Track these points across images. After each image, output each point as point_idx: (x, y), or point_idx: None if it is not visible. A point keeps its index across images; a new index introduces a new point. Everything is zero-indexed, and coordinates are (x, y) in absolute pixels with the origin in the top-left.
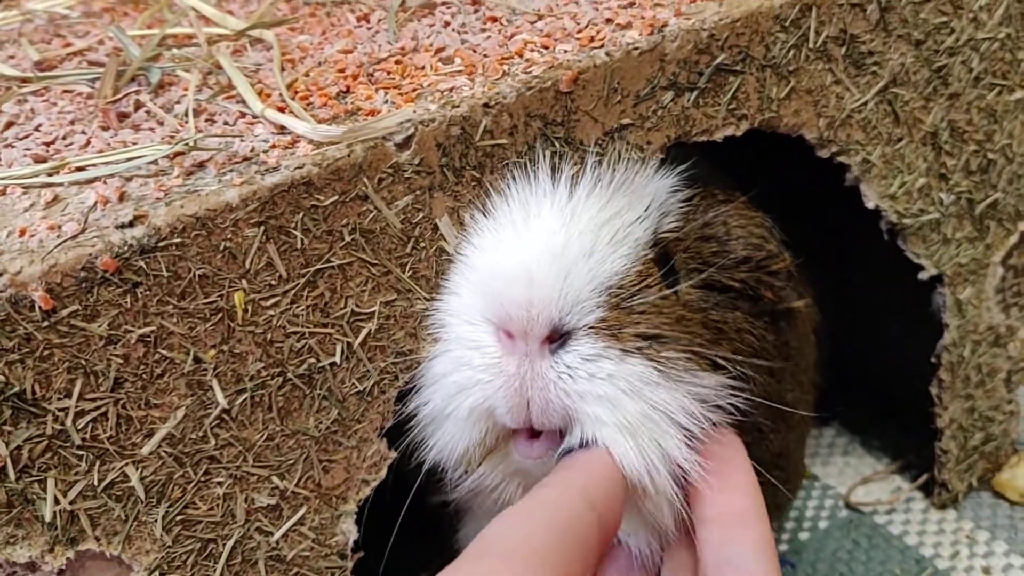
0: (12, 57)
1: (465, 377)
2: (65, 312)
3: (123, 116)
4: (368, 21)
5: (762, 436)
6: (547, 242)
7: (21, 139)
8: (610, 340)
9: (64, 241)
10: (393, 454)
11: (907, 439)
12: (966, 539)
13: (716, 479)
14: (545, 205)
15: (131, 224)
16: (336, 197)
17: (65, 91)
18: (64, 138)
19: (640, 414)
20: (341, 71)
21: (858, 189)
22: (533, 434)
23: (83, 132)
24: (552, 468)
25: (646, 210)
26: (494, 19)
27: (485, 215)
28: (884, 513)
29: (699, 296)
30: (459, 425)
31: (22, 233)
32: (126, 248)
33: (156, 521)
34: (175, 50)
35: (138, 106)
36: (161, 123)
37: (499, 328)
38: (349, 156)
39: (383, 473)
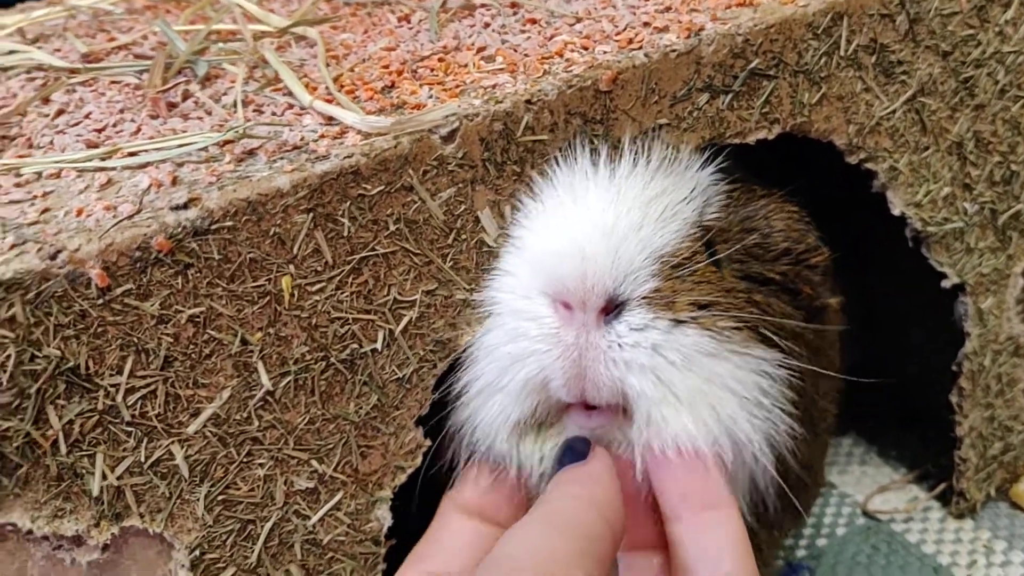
0: (58, 50)
1: (521, 348)
2: (119, 290)
3: (172, 105)
4: (409, 21)
5: (793, 443)
6: (597, 219)
7: (72, 126)
8: (663, 310)
9: (120, 221)
10: (428, 442)
11: (924, 449)
12: (983, 548)
13: (688, 475)
14: (591, 186)
15: (185, 206)
16: (382, 187)
17: (113, 82)
18: (114, 125)
19: (689, 384)
20: (385, 67)
21: (876, 196)
22: (588, 409)
23: (132, 120)
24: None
25: (691, 192)
26: (533, 21)
27: (533, 199)
28: (901, 521)
29: (742, 283)
30: (511, 397)
31: (79, 213)
32: (180, 229)
33: (198, 500)
34: (220, 45)
35: (186, 96)
36: (209, 112)
37: (555, 300)
38: (396, 147)
39: (418, 460)
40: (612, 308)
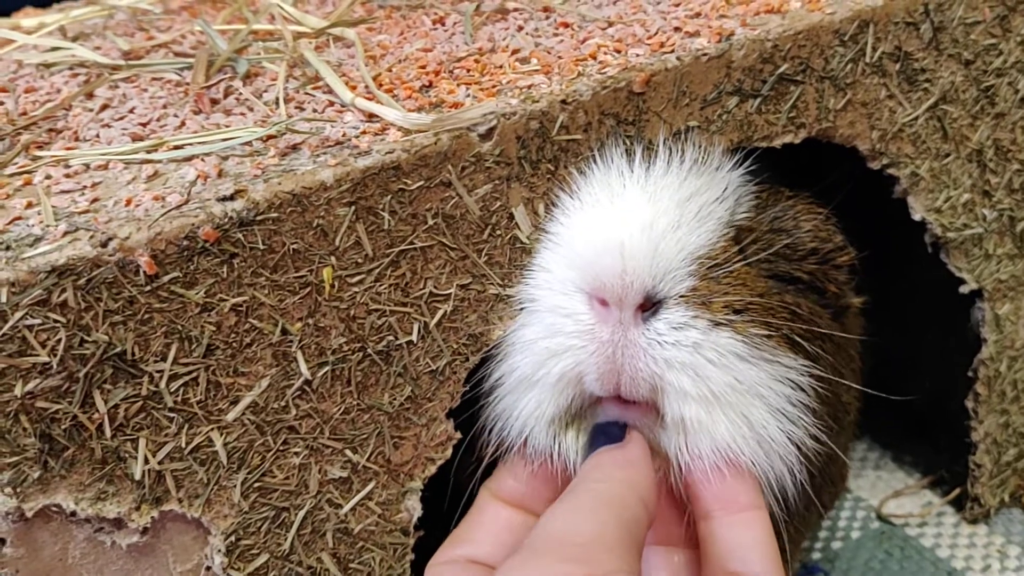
0: (99, 48)
1: (557, 342)
2: (166, 278)
3: (214, 101)
4: (444, 24)
5: (817, 444)
6: (636, 216)
7: (117, 120)
8: (700, 309)
9: (168, 211)
10: (459, 434)
11: (939, 454)
12: (997, 553)
13: (723, 478)
14: (628, 184)
15: (232, 198)
16: (422, 182)
17: (154, 79)
18: (158, 120)
19: (726, 385)
20: (423, 67)
21: (897, 201)
22: (622, 403)
23: (176, 115)
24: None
25: (723, 192)
26: (566, 24)
27: (570, 196)
28: (916, 526)
29: (772, 285)
30: (547, 391)
31: (128, 203)
32: (226, 220)
33: (235, 487)
34: (259, 44)
35: (228, 92)
36: (252, 109)
37: (592, 297)
38: (436, 144)
39: (448, 452)
40: (649, 306)
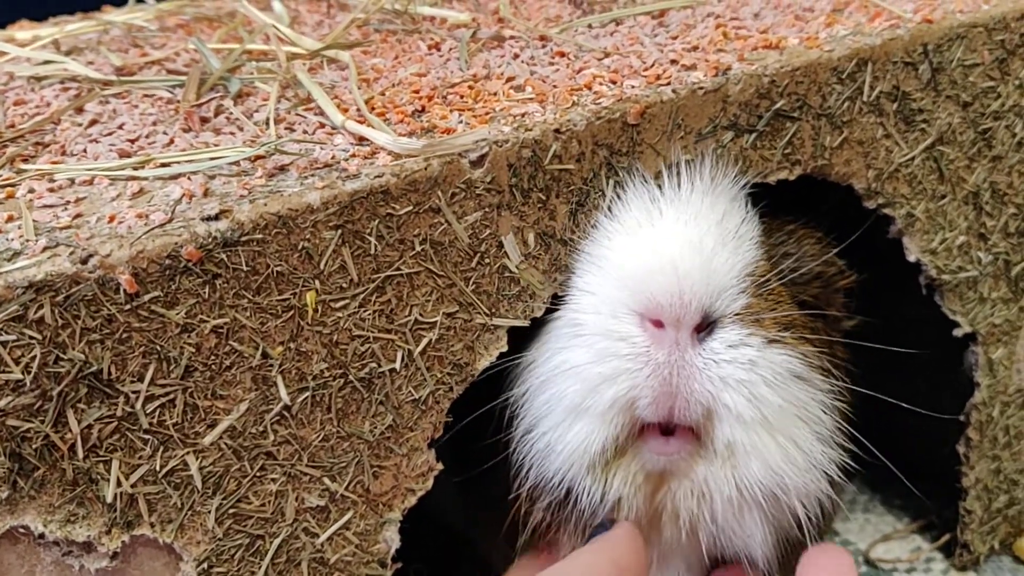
0: (91, 63)
1: (612, 367)
2: (147, 297)
3: (204, 120)
4: (439, 49)
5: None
6: (684, 235)
7: (105, 135)
8: (754, 327)
9: (152, 229)
10: (440, 466)
11: (928, 499)
12: None
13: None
14: (667, 205)
15: (216, 217)
16: (411, 207)
17: (145, 95)
18: (147, 137)
19: (777, 406)
20: (416, 92)
21: (892, 241)
22: (665, 433)
23: (165, 132)
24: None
25: (748, 213)
26: (562, 54)
27: (607, 218)
28: (904, 571)
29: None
30: (596, 420)
31: (111, 219)
32: (210, 240)
33: (210, 512)
34: (253, 63)
35: (219, 111)
36: (241, 128)
37: (646, 318)
38: (426, 169)
39: (429, 483)
40: (704, 326)
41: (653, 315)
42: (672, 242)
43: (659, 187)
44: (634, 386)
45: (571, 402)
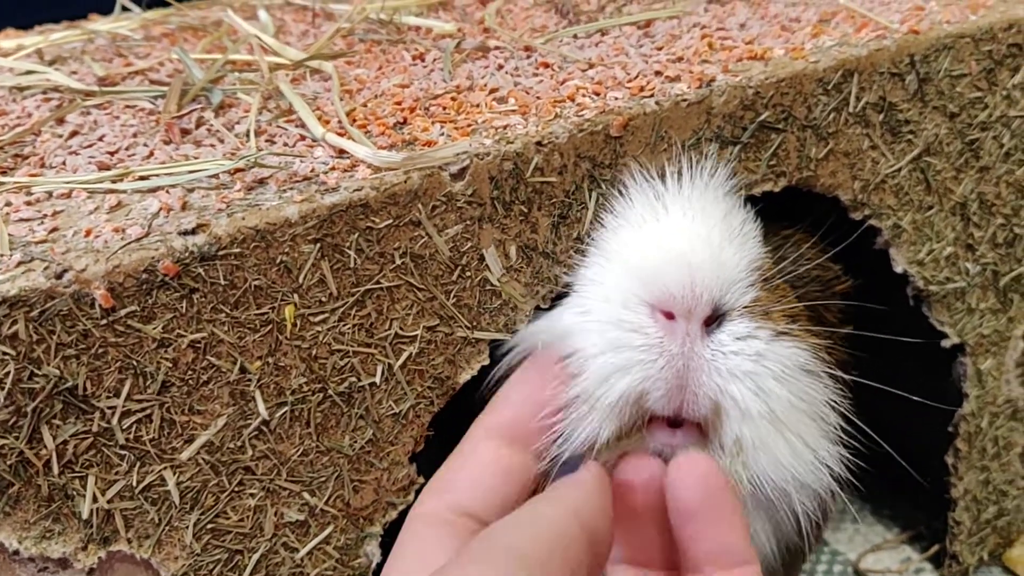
0: (75, 72)
1: (624, 358)
2: (123, 312)
3: (185, 132)
4: (423, 60)
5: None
6: (693, 229)
7: (85, 147)
8: (762, 320)
9: (128, 243)
10: (421, 479)
11: (918, 510)
12: None
13: (717, 530)
14: (672, 201)
15: (193, 232)
16: (390, 221)
17: (127, 106)
18: (127, 149)
19: (785, 400)
20: (398, 103)
21: (879, 252)
22: (672, 424)
23: (145, 144)
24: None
25: (747, 211)
26: (546, 65)
27: (611, 213)
28: None
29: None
30: (606, 411)
31: (87, 234)
32: (187, 254)
33: (187, 528)
34: (236, 74)
35: (200, 123)
36: (222, 140)
37: (657, 309)
38: (406, 182)
39: (411, 497)
40: (715, 318)
41: (665, 306)
42: (682, 235)
43: (663, 184)
44: (647, 378)
45: (583, 391)
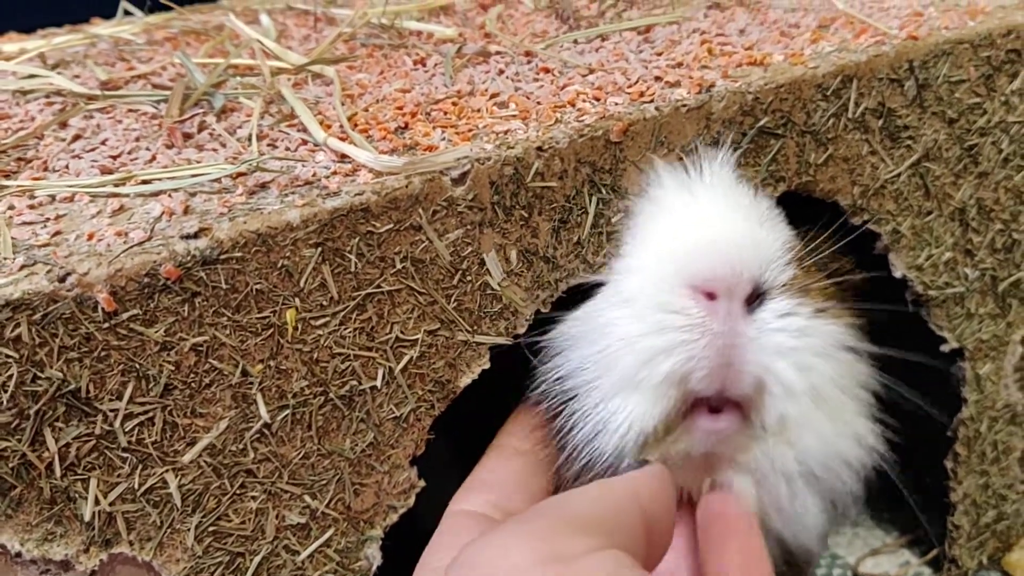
0: (77, 76)
1: (668, 339)
2: (126, 315)
3: (187, 136)
4: (424, 65)
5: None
6: (727, 211)
7: (88, 151)
8: (801, 297)
9: (131, 247)
10: (422, 483)
11: (917, 513)
12: None
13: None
14: (700, 186)
15: (196, 235)
16: (391, 225)
17: (130, 110)
18: (129, 153)
19: (828, 378)
20: (399, 108)
21: (879, 257)
22: (713, 413)
23: (148, 148)
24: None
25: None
26: (547, 70)
27: (637, 200)
28: None
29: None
30: (650, 394)
31: (90, 237)
32: (189, 258)
33: (189, 530)
34: (238, 79)
35: (202, 127)
36: (224, 145)
37: (699, 290)
38: (407, 187)
39: (411, 501)
40: (755, 297)
41: (706, 287)
42: (718, 217)
43: (690, 171)
44: (691, 357)
45: (623, 376)
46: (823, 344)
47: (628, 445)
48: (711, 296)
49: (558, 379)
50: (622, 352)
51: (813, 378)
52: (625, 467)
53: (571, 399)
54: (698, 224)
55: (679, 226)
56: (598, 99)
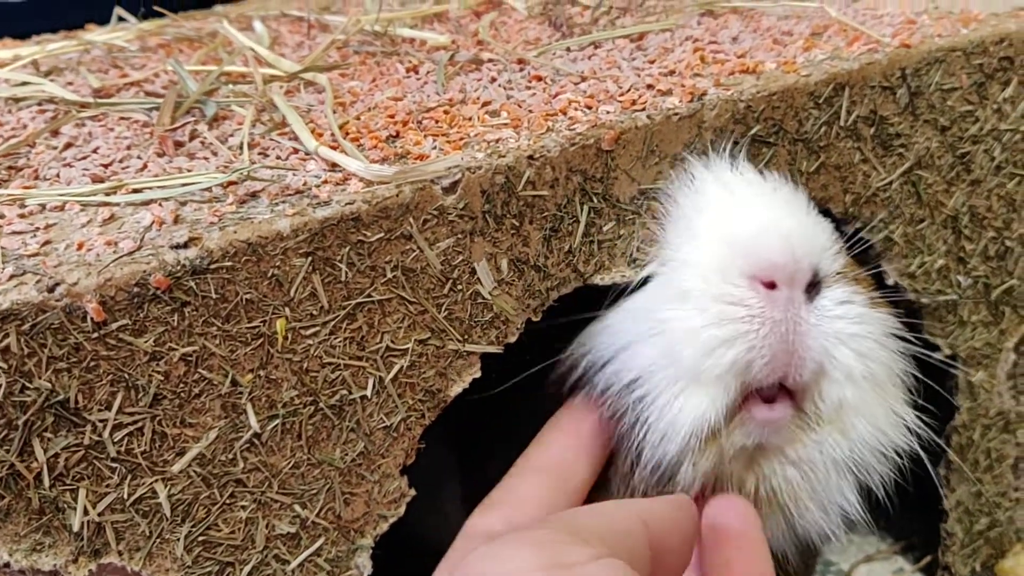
0: (71, 84)
1: (729, 331)
2: (115, 325)
3: (179, 144)
4: (417, 72)
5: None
6: (775, 202)
7: (79, 160)
8: (855, 284)
9: (120, 257)
10: (412, 492)
11: (911, 520)
12: None
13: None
14: (739, 180)
15: (185, 245)
16: (382, 234)
17: (122, 118)
18: (121, 161)
19: (884, 364)
20: (391, 116)
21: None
22: (768, 404)
23: (139, 157)
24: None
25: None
26: (539, 78)
27: (674, 196)
28: None
29: None
30: (713, 386)
31: (80, 247)
32: (179, 268)
33: (179, 540)
34: (230, 86)
35: (193, 136)
36: (215, 153)
37: (758, 280)
38: (398, 196)
39: (402, 510)
40: (813, 284)
41: (766, 276)
42: (769, 207)
43: (732, 165)
44: (752, 347)
45: (685, 367)
46: (879, 331)
47: (693, 441)
48: (771, 285)
49: (622, 382)
50: (684, 345)
51: (871, 363)
52: (686, 469)
53: (636, 399)
54: (752, 215)
55: (734, 216)
56: (590, 107)
